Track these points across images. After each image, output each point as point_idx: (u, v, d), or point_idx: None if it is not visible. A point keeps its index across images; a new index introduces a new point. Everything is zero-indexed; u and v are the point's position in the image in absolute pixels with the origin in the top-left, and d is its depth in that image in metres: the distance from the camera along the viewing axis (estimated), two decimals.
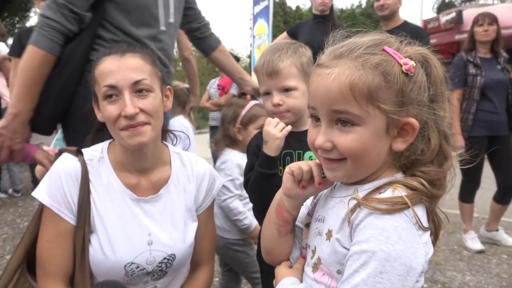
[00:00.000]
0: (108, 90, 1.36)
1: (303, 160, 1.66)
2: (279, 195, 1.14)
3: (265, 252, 1.21)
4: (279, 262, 1.19)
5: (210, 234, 1.64)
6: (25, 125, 1.76)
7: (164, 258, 1.46)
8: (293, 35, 4.16)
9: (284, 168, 1.67)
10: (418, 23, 6.06)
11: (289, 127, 1.62)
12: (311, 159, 1.66)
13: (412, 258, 0.85)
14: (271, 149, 1.61)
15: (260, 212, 1.75)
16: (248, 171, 1.74)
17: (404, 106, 0.91)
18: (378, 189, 0.93)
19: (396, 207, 0.87)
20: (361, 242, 0.86)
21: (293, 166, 1.10)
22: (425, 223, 0.90)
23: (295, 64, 1.63)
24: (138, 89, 1.37)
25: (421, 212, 0.91)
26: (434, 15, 15.03)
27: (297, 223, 1.17)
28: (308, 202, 1.19)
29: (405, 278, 0.84)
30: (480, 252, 3.93)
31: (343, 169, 0.95)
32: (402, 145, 0.94)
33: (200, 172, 1.60)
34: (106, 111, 1.37)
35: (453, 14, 11.14)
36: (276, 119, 1.64)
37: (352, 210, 0.91)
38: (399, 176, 0.97)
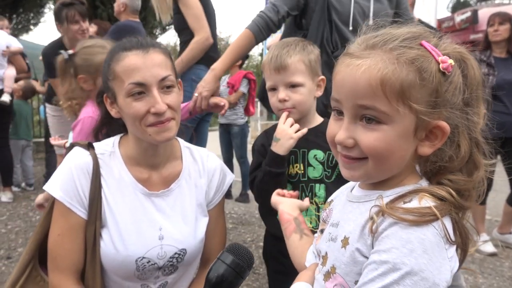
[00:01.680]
0: (135, 87, 1.34)
1: (307, 158, 1.66)
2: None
3: (290, 256, 1.25)
4: (297, 264, 1.19)
5: (221, 230, 1.64)
6: (216, 80, 2.17)
7: (175, 253, 1.46)
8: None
9: (288, 167, 1.67)
10: (433, 22, 6.00)
11: (305, 130, 1.62)
12: (316, 158, 1.66)
13: (435, 273, 0.78)
14: (282, 147, 1.60)
15: (266, 212, 1.75)
16: (254, 170, 1.74)
17: (437, 108, 0.84)
18: (402, 197, 0.86)
19: (424, 218, 0.80)
20: (382, 252, 0.80)
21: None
22: (452, 236, 0.83)
23: (303, 60, 1.63)
24: (165, 85, 1.37)
25: (448, 224, 0.83)
26: (449, 14, 14.86)
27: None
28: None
29: None
30: (493, 255, 3.88)
31: (362, 169, 0.89)
32: (429, 149, 0.88)
33: (211, 167, 1.59)
34: (132, 108, 1.35)
35: (468, 14, 11.01)
36: (291, 119, 1.63)
37: (374, 219, 0.84)
38: (424, 183, 0.91)
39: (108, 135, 1.55)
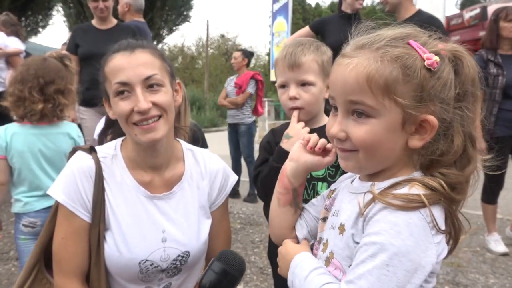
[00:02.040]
0: (119, 86, 1.35)
1: None
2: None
3: (270, 225, 1.26)
4: (278, 236, 1.21)
5: (225, 231, 1.63)
6: None
7: (178, 255, 1.45)
8: (317, 31, 4.03)
9: None
10: (441, 19, 5.93)
11: (315, 135, 1.61)
12: None
13: (422, 256, 0.84)
14: (292, 145, 1.60)
15: (268, 205, 1.74)
16: (259, 166, 1.74)
17: (423, 102, 0.89)
18: (394, 186, 0.92)
19: (411, 204, 0.86)
20: (372, 234, 0.86)
21: (308, 136, 1.20)
22: (441, 224, 0.88)
23: (317, 60, 1.63)
24: (150, 84, 1.37)
25: (437, 213, 0.89)
26: (458, 11, 14.74)
27: (313, 214, 1.21)
28: (325, 193, 1.20)
29: (412, 275, 0.83)
30: (504, 254, 3.82)
31: (354, 159, 0.96)
32: (418, 142, 0.92)
33: (213, 169, 1.59)
34: (118, 107, 1.37)
35: (477, 10, 10.91)
36: (302, 123, 1.63)
37: (367, 205, 0.91)
38: (417, 175, 0.95)
39: (112, 139, 1.56)
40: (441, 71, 0.90)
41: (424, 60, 0.89)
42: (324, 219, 1.12)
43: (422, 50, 0.90)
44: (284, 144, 1.61)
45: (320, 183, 1.65)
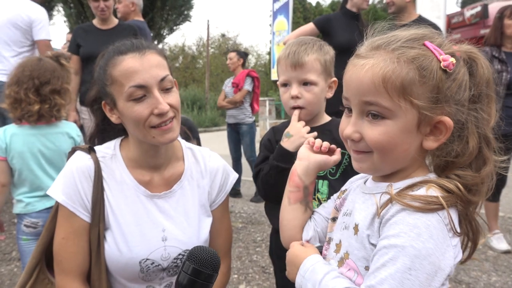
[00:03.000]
0: (136, 90, 1.32)
1: None
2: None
3: (280, 227, 1.23)
4: (287, 238, 1.20)
5: (226, 229, 1.63)
6: None
7: (179, 254, 1.45)
8: (323, 29, 3.97)
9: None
10: (442, 18, 5.91)
11: (315, 133, 1.61)
12: None
13: (441, 258, 0.83)
14: (292, 144, 1.60)
15: (271, 208, 1.74)
16: (259, 163, 1.74)
17: (439, 103, 0.89)
18: (411, 187, 0.91)
19: (429, 206, 0.85)
20: (391, 237, 0.85)
21: (312, 140, 1.23)
22: (457, 227, 0.88)
23: (320, 60, 1.63)
24: (164, 85, 1.36)
25: (453, 215, 0.88)
26: (458, 9, 14.71)
27: (324, 215, 1.19)
28: (335, 194, 1.20)
29: (433, 278, 0.82)
30: (507, 252, 3.81)
31: (369, 161, 0.95)
32: (433, 143, 0.92)
33: (213, 167, 1.58)
34: (134, 111, 1.33)
35: (478, 8, 10.90)
36: (303, 122, 1.63)
37: (384, 206, 0.90)
38: (432, 176, 0.95)
39: (103, 142, 1.53)
40: (457, 73, 0.90)
41: (440, 62, 0.89)
42: (334, 219, 1.12)
43: (438, 51, 0.90)
44: (284, 143, 1.61)
45: (321, 181, 1.65)
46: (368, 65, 0.90)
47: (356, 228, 0.96)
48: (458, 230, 0.88)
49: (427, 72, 0.88)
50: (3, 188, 2.31)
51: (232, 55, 6.29)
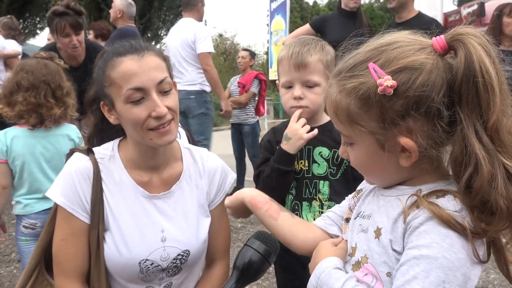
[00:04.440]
0: (134, 92, 1.31)
1: (312, 155, 1.65)
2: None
3: (289, 247, 1.19)
4: (298, 242, 1.17)
5: (224, 229, 1.63)
6: None
7: (178, 255, 1.45)
8: (318, 29, 4.02)
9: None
10: (439, 16, 5.92)
11: (315, 131, 1.61)
12: (321, 155, 1.65)
13: (471, 269, 0.81)
14: (292, 146, 1.60)
15: None
16: (260, 165, 1.75)
17: (390, 124, 0.85)
18: (435, 193, 0.87)
19: (460, 228, 0.80)
20: (422, 247, 0.81)
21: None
22: (481, 254, 0.84)
23: (322, 60, 1.62)
24: (163, 88, 1.35)
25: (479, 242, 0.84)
26: (455, 7, 14.74)
27: (338, 214, 1.17)
28: (350, 195, 1.17)
29: None
30: None
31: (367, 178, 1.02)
32: (406, 161, 0.88)
33: (211, 167, 1.59)
34: (132, 113, 1.33)
35: (475, 7, 10.89)
36: (303, 120, 1.63)
37: (409, 210, 0.86)
38: (452, 185, 0.89)
39: (102, 142, 1.53)
40: (410, 87, 0.82)
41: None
42: (348, 220, 1.08)
43: (379, 73, 0.84)
44: (284, 145, 1.62)
45: (321, 182, 1.65)
46: (328, 95, 0.95)
47: (378, 232, 0.92)
48: (481, 259, 0.83)
49: (366, 101, 0.86)
50: (3, 190, 2.32)
51: (245, 54, 6.22)
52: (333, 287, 0.92)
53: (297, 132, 1.59)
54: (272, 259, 1.00)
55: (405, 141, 0.86)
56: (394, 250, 0.87)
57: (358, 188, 1.14)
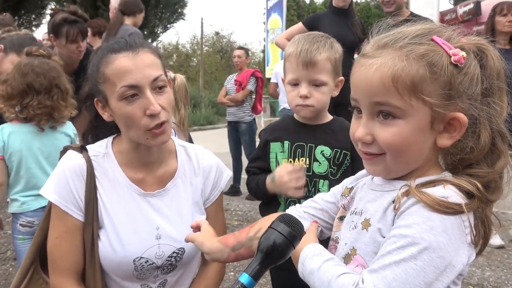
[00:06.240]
0: (128, 90, 1.30)
1: (314, 153, 1.65)
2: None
3: None
4: None
5: (220, 226, 1.62)
6: None
7: (173, 252, 1.45)
8: (311, 27, 4.05)
9: (294, 160, 1.67)
10: (435, 15, 5.94)
11: (300, 194, 1.59)
12: (322, 154, 1.65)
13: (453, 254, 0.81)
14: (273, 190, 1.65)
15: (264, 209, 1.80)
16: (253, 161, 1.78)
17: (452, 100, 0.86)
18: (428, 184, 0.88)
19: (448, 210, 0.82)
20: (402, 227, 0.83)
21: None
22: (474, 231, 0.86)
23: (330, 59, 1.60)
24: (157, 86, 1.34)
25: (471, 218, 0.86)
26: (451, 6, 14.77)
27: (331, 213, 1.16)
28: (339, 191, 1.16)
29: (441, 273, 0.80)
30: (500, 247, 3.85)
31: (382, 163, 0.92)
32: (448, 141, 0.89)
33: (206, 165, 1.58)
34: (126, 111, 1.32)
35: (471, 5, 10.92)
36: (290, 166, 1.62)
37: (400, 198, 0.87)
38: (447, 175, 0.91)
39: (97, 139, 1.52)
40: (468, 66, 0.87)
41: (450, 56, 0.86)
42: (341, 218, 1.08)
43: (447, 46, 0.87)
44: (268, 183, 1.64)
45: (321, 181, 1.65)
46: (376, 65, 0.87)
47: (366, 223, 0.93)
48: (475, 233, 0.85)
49: (437, 68, 0.85)
50: (0, 187, 2.30)
51: (241, 53, 6.23)
52: (312, 267, 0.94)
53: (286, 185, 1.58)
54: (297, 243, 0.98)
55: (461, 116, 0.86)
56: (384, 237, 0.88)
57: (348, 185, 1.13)
